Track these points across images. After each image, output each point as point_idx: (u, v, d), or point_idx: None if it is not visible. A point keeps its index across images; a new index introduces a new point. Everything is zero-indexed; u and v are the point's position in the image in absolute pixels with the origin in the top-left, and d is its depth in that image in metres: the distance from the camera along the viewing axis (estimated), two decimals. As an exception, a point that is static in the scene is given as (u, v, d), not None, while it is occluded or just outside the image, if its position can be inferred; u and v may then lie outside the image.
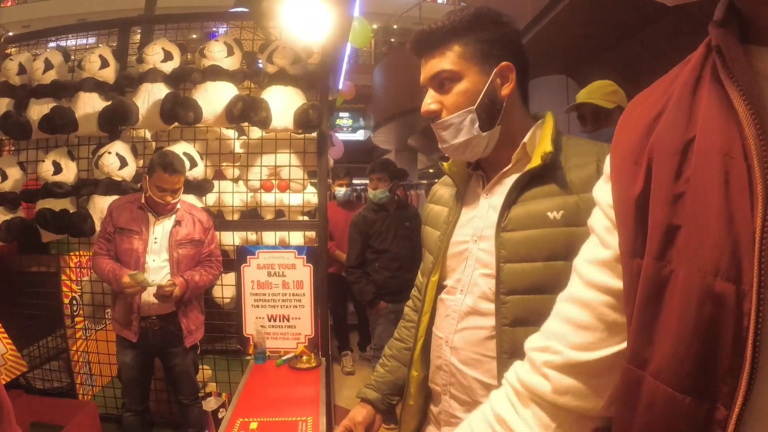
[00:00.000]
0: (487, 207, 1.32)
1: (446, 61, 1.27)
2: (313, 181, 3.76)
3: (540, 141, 1.27)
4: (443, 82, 1.28)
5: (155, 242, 3.04)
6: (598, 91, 2.53)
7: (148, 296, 2.99)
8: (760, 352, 0.57)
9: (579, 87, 6.50)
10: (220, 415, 3.47)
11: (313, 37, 3.07)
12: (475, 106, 1.26)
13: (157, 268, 3.03)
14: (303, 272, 3.45)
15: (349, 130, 20.91)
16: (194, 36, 4.29)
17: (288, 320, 3.47)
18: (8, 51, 4.38)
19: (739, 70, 0.61)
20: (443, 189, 1.53)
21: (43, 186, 3.70)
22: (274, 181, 3.66)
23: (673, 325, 0.65)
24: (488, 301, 1.26)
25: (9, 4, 21.34)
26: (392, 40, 20.29)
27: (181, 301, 3.06)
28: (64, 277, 4.00)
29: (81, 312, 4.12)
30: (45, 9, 21.08)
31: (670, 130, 0.70)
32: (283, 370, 3.18)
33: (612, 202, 0.81)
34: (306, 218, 3.78)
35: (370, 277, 4.16)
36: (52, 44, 4.30)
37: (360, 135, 20.71)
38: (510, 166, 1.31)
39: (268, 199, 3.69)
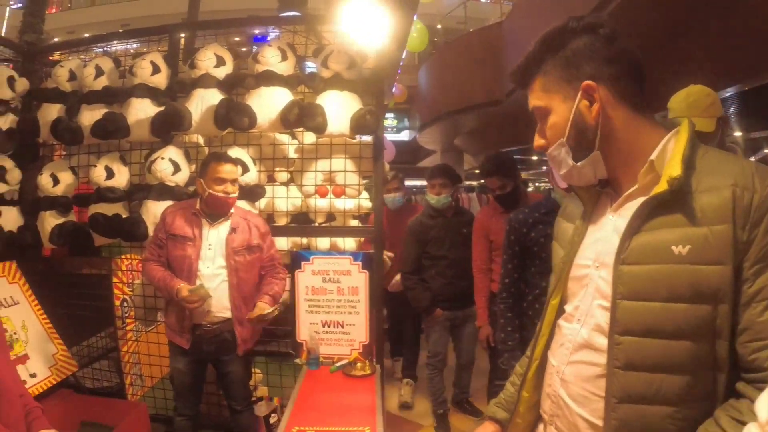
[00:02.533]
0: (612, 230, 1.21)
1: (534, 97, 1.24)
2: (365, 182, 3.73)
3: (670, 159, 1.12)
4: (539, 117, 1.26)
5: (209, 249, 3.02)
6: (697, 106, 2.18)
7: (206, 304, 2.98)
8: None
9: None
10: (271, 420, 3.46)
11: (373, 41, 3.02)
12: (564, 138, 1.20)
13: (211, 275, 3.01)
14: (358, 278, 3.41)
15: (393, 131, 20.70)
16: (237, 39, 4.28)
17: (342, 327, 3.43)
18: (56, 57, 4.43)
19: None
20: (573, 203, 1.42)
21: (95, 191, 3.71)
22: (329, 187, 3.63)
23: None
24: (604, 335, 1.17)
25: (54, 10, 21.81)
26: (435, 39, 20.14)
27: (236, 310, 3.04)
28: (115, 280, 4.03)
29: (132, 313, 4.15)
30: (90, 15, 21.67)
31: None
32: (337, 377, 3.17)
33: None
34: (357, 222, 3.74)
35: (427, 283, 4.08)
36: (98, 50, 4.35)
37: (405, 135, 20.56)
38: (636, 186, 1.18)
39: (320, 203, 3.67)
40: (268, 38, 4.13)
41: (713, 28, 5.40)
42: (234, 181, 3.02)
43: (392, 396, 4.75)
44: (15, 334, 3.57)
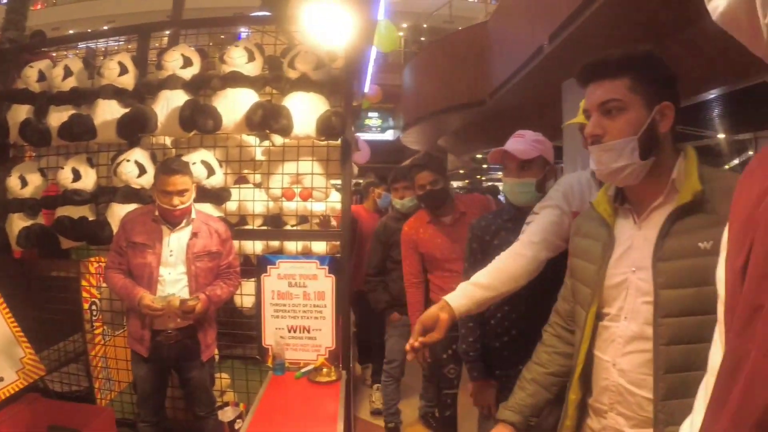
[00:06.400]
0: (642, 239, 1.43)
1: (617, 90, 1.40)
2: (336, 184, 3.69)
3: (688, 177, 1.38)
4: (610, 109, 1.41)
5: (170, 255, 2.97)
6: None
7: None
8: None
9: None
10: (236, 426, 3.45)
11: (336, 41, 2.98)
12: (637, 136, 1.38)
13: (173, 281, 2.96)
14: (325, 283, 3.39)
15: (378, 130, 20.74)
16: (222, 36, 4.23)
17: (308, 332, 3.41)
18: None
19: None
20: (588, 222, 1.63)
21: (62, 193, 3.68)
22: (296, 189, 3.59)
23: (733, 408, 0.61)
24: (651, 325, 1.38)
25: (39, 6, 21.69)
26: (422, 39, 20.15)
27: (201, 315, 3.00)
28: (84, 283, 3.99)
29: (100, 317, 4.11)
30: (74, 12, 21.58)
31: None
32: (302, 383, 3.14)
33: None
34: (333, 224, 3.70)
35: (388, 286, 3.97)
36: (82, 45, 4.34)
37: (389, 135, 20.56)
38: (660, 200, 1.42)
39: (291, 205, 3.63)
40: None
41: (699, 30, 5.35)
42: (182, 192, 2.92)
43: (363, 400, 4.70)
44: (-19, 337, 3.52)
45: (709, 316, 1.21)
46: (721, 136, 11.61)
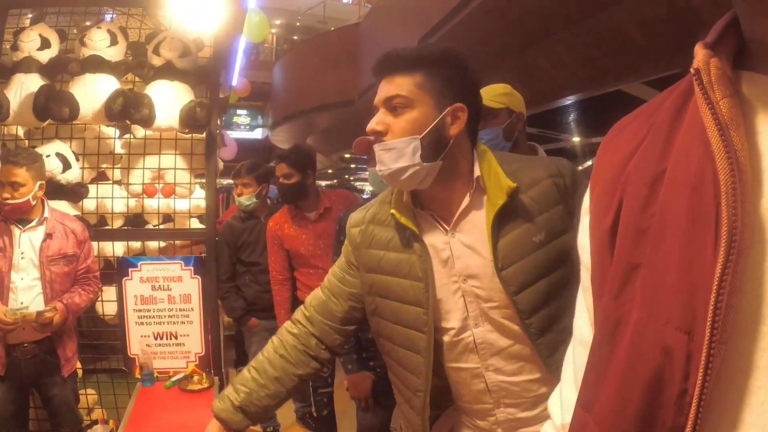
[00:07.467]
0: (460, 246, 1.37)
1: (405, 87, 1.33)
2: (200, 181, 3.55)
3: (495, 175, 1.34)
4: (396, 106, 1.33)
5: (22, 258, 2.70)
6: (488, 93, 2.32)
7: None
8: (704, 415, 0.52)
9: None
10: (108, 445, 3.21)
11: (204, 27, 2.85)
12: (420, 136, 1.31)
13: (26, 288, 2.70)
14: (191, 285, 3.23)
15: (246, 128, 20.57)
16: (88, 23, 3.92)
17: (176, 338, 3.24)
18: None
19: (717, 96, 0.55)
20: (383, 232, 1.50)
21: None
22: (157, 185, 3.41)
23: (619, 371, 0.61)
24: (510, 321, 1.35)
25: None
26: (294, 37, 20.13)
27: (59, 327, 2.74)
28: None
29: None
30: None
31: (645, 160, 0.65)
32: (173, 393, 2.99)
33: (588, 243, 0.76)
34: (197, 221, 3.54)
35: (241, 291, 3.82)
36: None
37: (258, 133, 20.41)
38: (468, 200, 1.36)
39: (153, 203, 3.45)
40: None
41: (560, 40, 5.65)
42: (15, 186, 2.65)
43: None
44: None
45: (568, 293, 1.23)
46: (576, 139, 12.44)
